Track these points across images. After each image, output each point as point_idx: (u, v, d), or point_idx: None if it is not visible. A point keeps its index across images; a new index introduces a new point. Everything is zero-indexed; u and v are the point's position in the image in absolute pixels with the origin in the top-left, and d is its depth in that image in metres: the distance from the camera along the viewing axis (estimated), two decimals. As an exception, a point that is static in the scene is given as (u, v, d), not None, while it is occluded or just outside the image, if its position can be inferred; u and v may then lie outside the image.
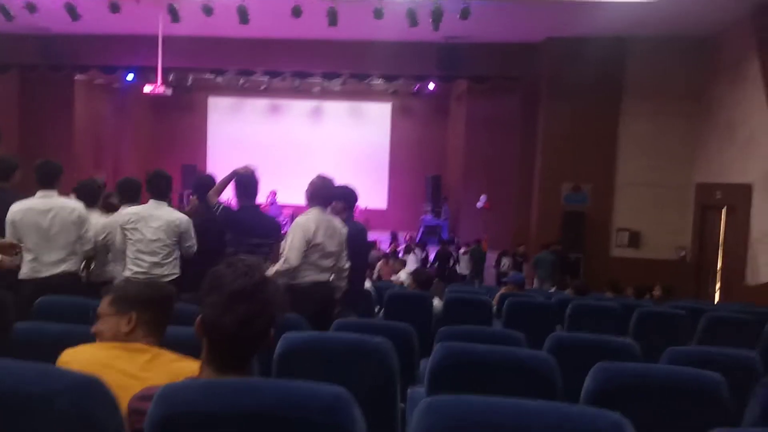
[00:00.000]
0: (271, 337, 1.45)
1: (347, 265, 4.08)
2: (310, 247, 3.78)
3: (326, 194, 4.07)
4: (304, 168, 16.77)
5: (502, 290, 6.14)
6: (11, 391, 1.28)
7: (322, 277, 3.90)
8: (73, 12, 9.09)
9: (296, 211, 17.36)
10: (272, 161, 17.02)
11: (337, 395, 1.21)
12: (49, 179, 3.92)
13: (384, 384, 2.06)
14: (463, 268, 11.82)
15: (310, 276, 3.83)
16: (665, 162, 10.39)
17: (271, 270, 3.63)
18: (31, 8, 9.01)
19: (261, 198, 14.97)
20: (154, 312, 1.83)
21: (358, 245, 4.53)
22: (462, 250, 12.20)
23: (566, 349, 2.70)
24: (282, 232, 5.00)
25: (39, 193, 3.91)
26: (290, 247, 3.72)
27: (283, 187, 16.24)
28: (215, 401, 1.21)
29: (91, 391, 1.27)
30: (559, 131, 10.61)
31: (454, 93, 15.50)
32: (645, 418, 1.54)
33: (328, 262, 3.89)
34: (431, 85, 14.51)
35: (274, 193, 15.47)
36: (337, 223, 4.02)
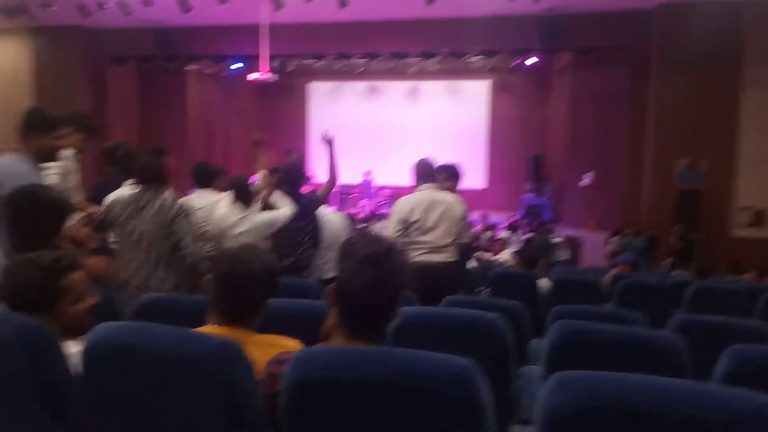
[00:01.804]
0: (397, 311, 1.49)
1: (465, 240, 4.10)
2: (409, 225, 3.83)
3: (429, 171, 4.08)
4: (403, 148, 17.00)
5: (614, 271, 5.89)
6: (160, 354, 1.40)
7: (434, 258, 3.90)
8: (184, 4, 9.61)
9: (395, 192, 17.60)
10: (371, 143, 17.26)
11: (465, 366, 1.22)
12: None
13: (500, 360, 2.05)
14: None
15: (419, 257, 3.86)
16: (793, 135, 9.49)
17: None
18: (147, 3, 9.63)
19: (356, 178, 15.31)
20: None
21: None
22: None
23: (691, 331, 2.55)
24: (366, 213, 5.22)
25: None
26: (387, 228, 3.90)
27: (382, 167, 16.43)
28: (348, 367, 1.25)
29: (231, 354, 1.36)
30: (671, 104, 9.93)
31: (557, 67, 14.86)
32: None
33: (429, 237, 3.90)
34: (532, 60, 13.99)
35: (368, 174, 15.67)
36: (446, 197, 4.03)
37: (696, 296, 4.29)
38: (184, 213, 3.24)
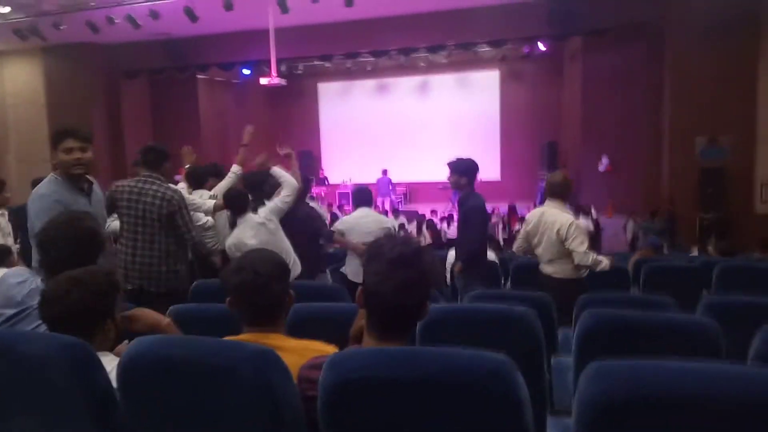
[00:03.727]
0: (427, 310, 1.49)
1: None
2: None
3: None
4: (416, 144, 16.98)
5: (637, 255, 5.83)
6: (199, 365, 1.42)
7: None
8: (191, 14, 9.69)
9: (409, 188, 17.52)
10: (383, 140, 17.27)
11: (502, 361, 1.22)
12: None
13: (531, 353, 2.04)
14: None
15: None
16: (815, 105, 9.29)
17: None
18: (154, 15, 9.72)
19: (372, 177, 15.35)
20: None
21: (481, 219, 4.55)
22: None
23: (722, 312, 2.51)
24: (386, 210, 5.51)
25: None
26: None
27: (396, 164, 16.43)
28: (384, 367, 1.25)
29: (268, 360, 1.38)
30: (689, 80, 9.78)
31: (568, 52, 14.72)
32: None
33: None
34: (541, 47, 13.90)
35: (386, 171, 15.68)
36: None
37: (723, 276, 4.23)
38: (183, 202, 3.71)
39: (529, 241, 4.18)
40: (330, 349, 1.68)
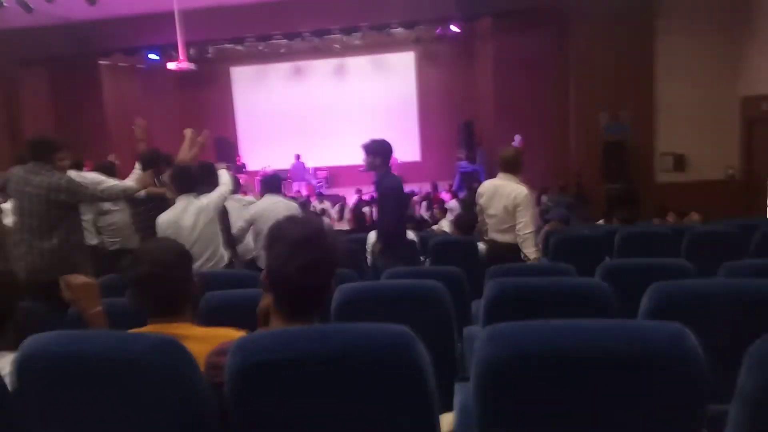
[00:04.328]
0: (333, 288, 1.51)
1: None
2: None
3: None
4: (336, 127, 16.90)
5: (546, 227, 6.11)
6: (101, 359, 1.37)
7: None
8: (89, -5, 9.15)
9: (331, 172, 17.46)
10: (301, 124, 17.07)
11: (401, 332, 1.26)
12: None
13: (441, 325, 2.11)
14: None
15: None
16: (707, 79, 9.97)
17: None
18: (50, -2, 9.11)
19: (286, 163, 15.21)
20: None
21: (398, 198, 4.62)
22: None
23: (618, 275, 2.69)
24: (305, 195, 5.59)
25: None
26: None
27: (316, 148, 16.31)
28: (288, 348, 1.27)
29: (170, 349, 1.35)
30: (591, 60, 10.27)
31: (479, 33, 15.04)
32: (706, 333, 1.54)
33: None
34: (453, 28, 14.14)
35: (299, 156, 15.59)
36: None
37: (624, 243, 4.51)
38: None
39: (483, 213, 4.44)
40: (238, 335, 1.67)
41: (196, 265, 3.93)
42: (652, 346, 1.13)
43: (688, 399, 1.19)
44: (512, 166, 4.44)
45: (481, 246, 5.10)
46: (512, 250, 4.25)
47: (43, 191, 3.67)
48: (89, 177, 4.52)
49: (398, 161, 14.67)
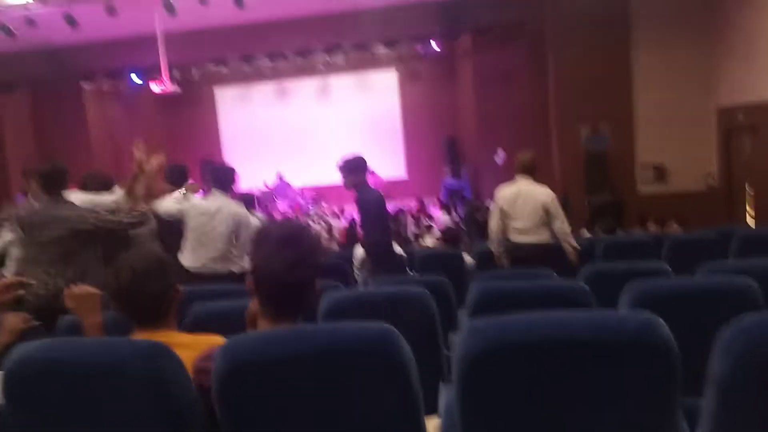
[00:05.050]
0: (318, 290, 1.55)
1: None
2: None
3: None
4: (321, 146, 16.96)
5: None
6: (89, 365, 1.39)
7: None
8: (71, 20, 9.18)
9: (318, 192, 17.52)
10: (285, 143, 17.11)
11: (383, 329, 1.30)
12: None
13: (427, 329, 2.15)
14: None
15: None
16: (684, 91, 10.17)
17: None
18: (30, 22, 9.14)
19: (269, 180, 15.27)
20: None
21: (379, 210, 4.68)
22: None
23: (599, 279, 2.75)
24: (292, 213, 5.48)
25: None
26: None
27: (302, 167, 16.34)
28: (274, 348, 1.30)
29: (157, 354, 1.38)
30: (569, 74, 10.44)
31: (459, 51, 15.29)
32: (680, 327, 1.59)
33: None
34: (435, 46, 14.36)
35: (280, 175, 15.67)
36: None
37: (607, 252, 4.58)
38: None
39: (504, 217, 4.57)
40: (221, 341, 1.69)
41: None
42: (625, 332, 1.18)
43: (663, 385, 1.23)
44: (531, 169, 4.67)
45: (468, 258, 5.15)
46: (544, 249, 4.47)
47: (69, 225, 3.52)
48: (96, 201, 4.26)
49: (383, 180, 14.79)
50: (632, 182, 10.63)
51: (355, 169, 4.54)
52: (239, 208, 4.41)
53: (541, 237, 4.53)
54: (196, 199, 4.51)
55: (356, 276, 5.19)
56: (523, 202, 4.52)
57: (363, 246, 4.86)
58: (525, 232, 4.53)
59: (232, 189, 4.57)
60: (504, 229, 4.71)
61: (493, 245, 4.69)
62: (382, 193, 4.71)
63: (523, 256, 4.43)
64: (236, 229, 4.26)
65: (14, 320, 1.97)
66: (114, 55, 12.01)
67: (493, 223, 4.69)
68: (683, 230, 6.42)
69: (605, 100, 10.35)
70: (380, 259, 4.58)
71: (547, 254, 4.38)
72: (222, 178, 4.45)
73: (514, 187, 4.65)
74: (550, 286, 2.17)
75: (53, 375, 1.42)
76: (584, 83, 10.29)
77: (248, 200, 5.17)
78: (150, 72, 12.76)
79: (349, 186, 4.64)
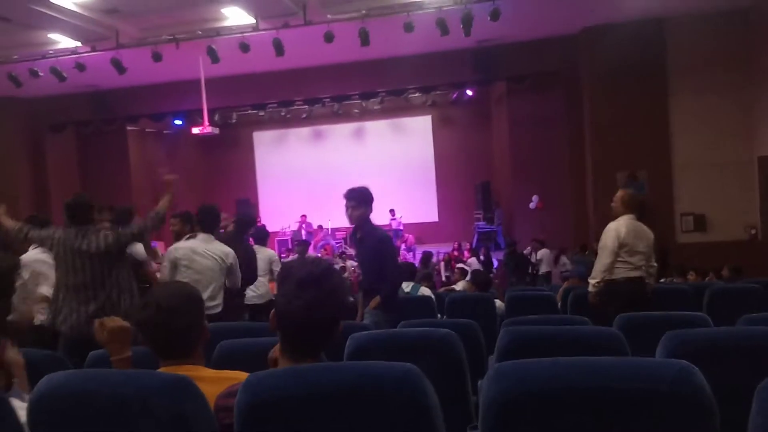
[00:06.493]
0: (340, 329, 1.53)
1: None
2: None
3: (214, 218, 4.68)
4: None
5: (565, 284, 6.05)
6: (113, 396, 1.39)
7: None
8: (119, 66, 9.60)
9: (348, 233, 17.54)
10: (320, 186, 17.32)
11: (408, 369, 1.27)
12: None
13: (454, 372, 2.10)
14: (544, 268, 11.61)
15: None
16: (723, 139, 10.00)
17: None
18: (81, 67, 9.58)
19: (293, 224, 15.51)
20: None
21: (380, 249, 4.20)
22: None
23: (635, 327, 2.66)
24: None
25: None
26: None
27: (336, 210, 16.50)
28: (295, 384, 1.28)
29: (181, 388, 1.37)
30: (606, 121, 10.38)
31: (494, 96, 15.42)
32: (718, 376, 1.52)
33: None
34: (469, 92, 14.54)
35: (304, 218, 15.84)
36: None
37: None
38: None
39: (619, 253, 4.61)
40: (244, 377, 1.68)
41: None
42: (658, 381, 1.13)
43: (699, 437, 1.17)
44: (639, 208, 4.85)
45: (499, 303, 5.06)
46: (641, 283, 4.62)
47: (94, 250, 3.73)
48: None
49: (400, 222, 14.93)
50: (671, 231, 10.38)
51: (362, 199, 4.20)
52: (225, 250, 4.45)
53: (648, 271, 4.73)
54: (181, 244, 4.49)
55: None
56: (641, 238, 4.67)
57: (360, 289, 4.50)
58: (638, 266, 4.64)
59: (217, 230, 4.70)
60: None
61: (595, 280, 4.63)
62: (389, 234, 4.50)
63: (633, 290, 4.54)
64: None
65: (17, 358, 1.98)
66: (158, 98, 12.50)
67: (608, 260, 4.62)
68: (732, 279, 6.23)
69: (642, 147, 10.22)
70: (389, 304, 4.07)
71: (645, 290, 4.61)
72: (207, 221, 4.55)
73: (629, 224, 4.70)
74: (583, 331, 2.11)
75: (78, 405, 1.42)
76: (621, 130, 10.20)
77: (262, 235, 5.24)
78: (191, 115, 13.20)
79: (354, 219, 4.24)
